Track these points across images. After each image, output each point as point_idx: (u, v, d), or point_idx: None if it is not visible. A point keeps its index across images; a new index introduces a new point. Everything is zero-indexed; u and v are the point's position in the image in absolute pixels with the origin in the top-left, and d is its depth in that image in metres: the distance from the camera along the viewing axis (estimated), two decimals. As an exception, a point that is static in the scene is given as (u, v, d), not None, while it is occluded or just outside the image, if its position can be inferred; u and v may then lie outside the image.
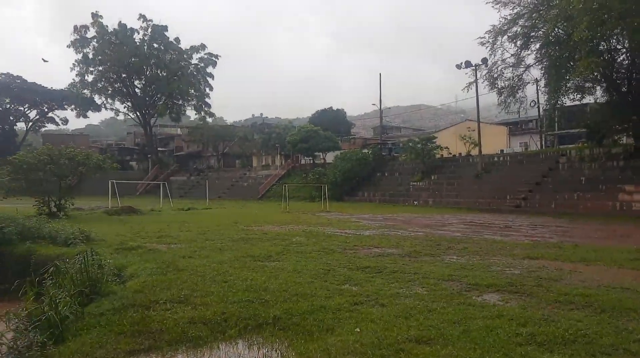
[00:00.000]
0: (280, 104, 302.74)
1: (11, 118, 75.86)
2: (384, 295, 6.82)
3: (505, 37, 32.09)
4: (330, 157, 54.41)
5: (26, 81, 72.10)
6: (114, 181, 34.56)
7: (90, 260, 7.08)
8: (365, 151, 49.77)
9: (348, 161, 44.67)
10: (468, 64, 37.19)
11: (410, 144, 43.85)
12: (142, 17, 65.78)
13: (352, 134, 79.54)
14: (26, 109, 76.03)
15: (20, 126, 79.59)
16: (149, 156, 73.14)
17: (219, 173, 66.01)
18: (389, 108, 75.95)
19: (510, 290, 7.33)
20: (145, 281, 7.55)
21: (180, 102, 71.24)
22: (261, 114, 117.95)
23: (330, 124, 67.34)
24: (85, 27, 65.28)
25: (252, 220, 21.94)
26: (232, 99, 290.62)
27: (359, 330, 5.22)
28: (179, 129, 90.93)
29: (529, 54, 32.72)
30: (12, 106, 74.45)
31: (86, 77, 67.06)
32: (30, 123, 77.59)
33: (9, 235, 11.99)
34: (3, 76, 71.16)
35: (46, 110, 76.59)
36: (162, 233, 16.01)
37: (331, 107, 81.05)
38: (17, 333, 5.22)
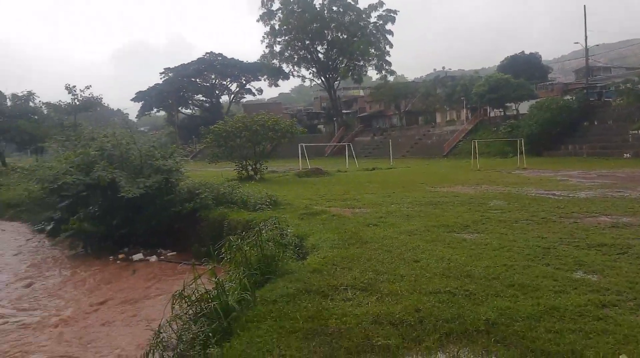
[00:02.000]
0: (462, 55, 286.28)
1: (217, 92, 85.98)
2: (644, 293, 4.76)
3: None
4: (523, 107, 48.48)
5: (226, 57, 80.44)
6: (303, 144, 36.14)
7: (264, 235, 6.45)
8: (568, 97, 43.10)
9: (546, 111, 39.11)
10: None
11: (629, 84, 36.31)
12: (320, -19, 66.66)
13: (550, 80, 70.10)
14: (228, 83, 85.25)
15: (224, 98, 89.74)
16: (334, 118, 75.56)
17: (401, 131, 64.91)
18: (597, 45, 64.51)
19: None
20: (325, 257, 6.72)
21: (362, 63, 71.13)
22: (443, 67, 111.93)
23: (522, 71, 59.82)
24: (271, 0, 68.98)
25: (438, 180, 20.29)
26: (412, 56, 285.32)
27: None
28: (361, 91, 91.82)
29: None
30: (217, 81, 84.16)
31: (274, 47, 71.37)
32: (232, 95, 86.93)
33: (205, 200, 12.64)
34: (207, 54, 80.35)
35: (244, 82, 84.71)
36: (347, 195, 15.52)
37: (522, 52, 72.13)
38: (184, 323, 4.72)
